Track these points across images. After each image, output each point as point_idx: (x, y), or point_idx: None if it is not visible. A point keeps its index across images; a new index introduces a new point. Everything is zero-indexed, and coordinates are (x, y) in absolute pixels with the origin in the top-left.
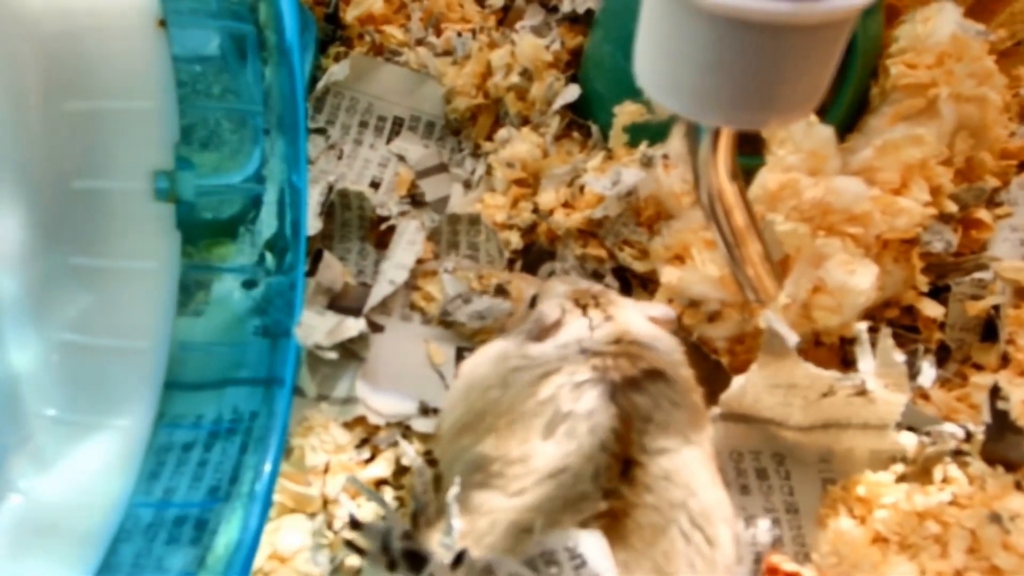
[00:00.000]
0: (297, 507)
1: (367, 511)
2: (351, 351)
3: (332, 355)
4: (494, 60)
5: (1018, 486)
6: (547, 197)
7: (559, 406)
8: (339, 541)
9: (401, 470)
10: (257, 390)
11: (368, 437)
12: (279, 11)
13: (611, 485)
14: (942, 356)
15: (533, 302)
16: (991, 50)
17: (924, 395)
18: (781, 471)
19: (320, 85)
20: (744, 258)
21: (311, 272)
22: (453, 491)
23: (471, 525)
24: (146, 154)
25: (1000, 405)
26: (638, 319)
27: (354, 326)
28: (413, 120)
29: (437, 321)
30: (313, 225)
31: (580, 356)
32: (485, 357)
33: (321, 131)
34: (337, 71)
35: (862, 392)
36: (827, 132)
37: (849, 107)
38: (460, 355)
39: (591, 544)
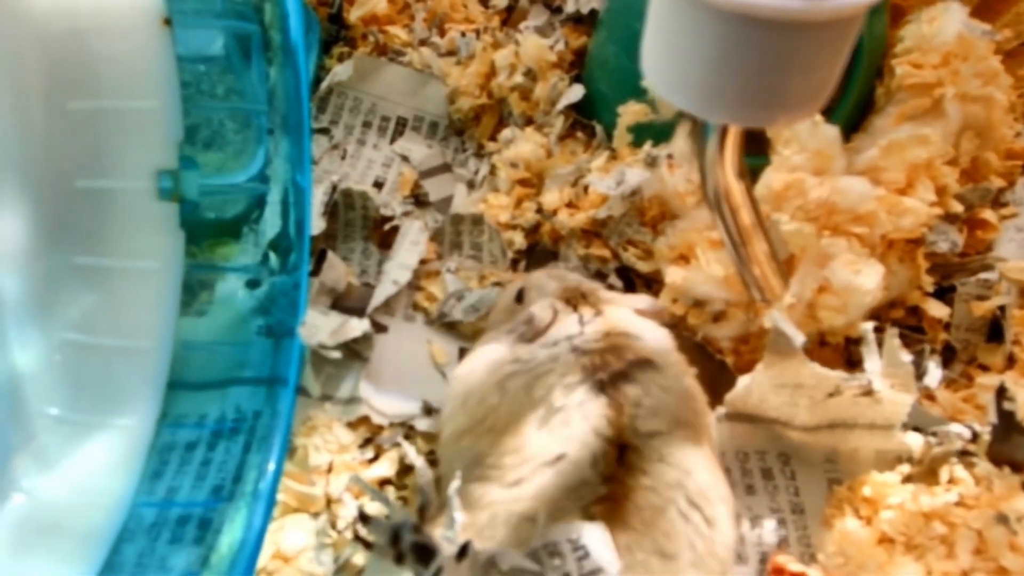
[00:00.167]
0: (301, 507)
1: (371, 510)
2: (355, 351)
3: (336, 355)
4: (498, 60)
5: None
6: (551, 197)
7: (552, 403)
8: (343, 540)
9: (405, 470)
10: (260, 390)
11: (372, 437)
12: (284, 11)
13: (609, 470)
14: (948, 357)
15: (519, 296)
16: (997, 50)
17: (930, 396)
18: (787, 471)
19: (324, 85)
20: (750, 257)
21: (315, 272)
22: (454, 484)
23: (472, 519)
24: (150, 153)
25: (1006, 406)
26: (626, 312)
27: (358, 326)
28: (417, 120)
29: (438, 322)
30: (317, 225)
31: (571, 356)
32: (479, 363)
33: (325, 131)
34: (341, 71)
35: (868, 392)
36: (832, 132)
37: (854, 107)
38: (463, 355)
39: (594, 536)
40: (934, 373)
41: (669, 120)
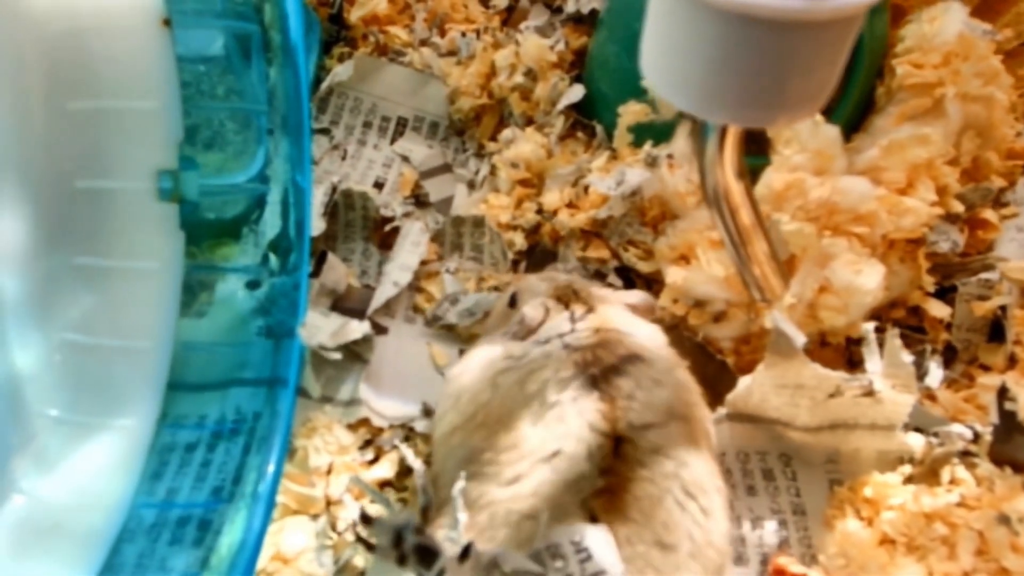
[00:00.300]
0: (300, 508)
1: (371, 512)
2: (355, 353)
3: (336, 356)
4: (498, 60)
5: None
6: (551, 197)
7: (545, 398)
8: (343, 542)
9: (404, 472)
10: (260, 391)
11: (372, 439)
12: (284, 11)
13: (605, 463)
14: (949, 357)
15: (513, 300)
16: (997, 50)
17: (931, 396)
18: (788, 472)
19: (324, 85)
20: (750, 257)
21: (315, 273)
22: (458, 485)
23: (472, 519)
24: (150, 154)
25: (1007, 406)
26: (617, 309)
27: (358, 328)
28: (417, 120)
29: (433, 325)
30: (317, 226)
31: (563, 352)
32: (472, 363)
33: (325, 131)
34: (341, 71)
35: (869, 393)
36: (833, 132)
37: (855, 107)
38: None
39: (596, 538)
40: (935, 373)
41: (669, 120)
